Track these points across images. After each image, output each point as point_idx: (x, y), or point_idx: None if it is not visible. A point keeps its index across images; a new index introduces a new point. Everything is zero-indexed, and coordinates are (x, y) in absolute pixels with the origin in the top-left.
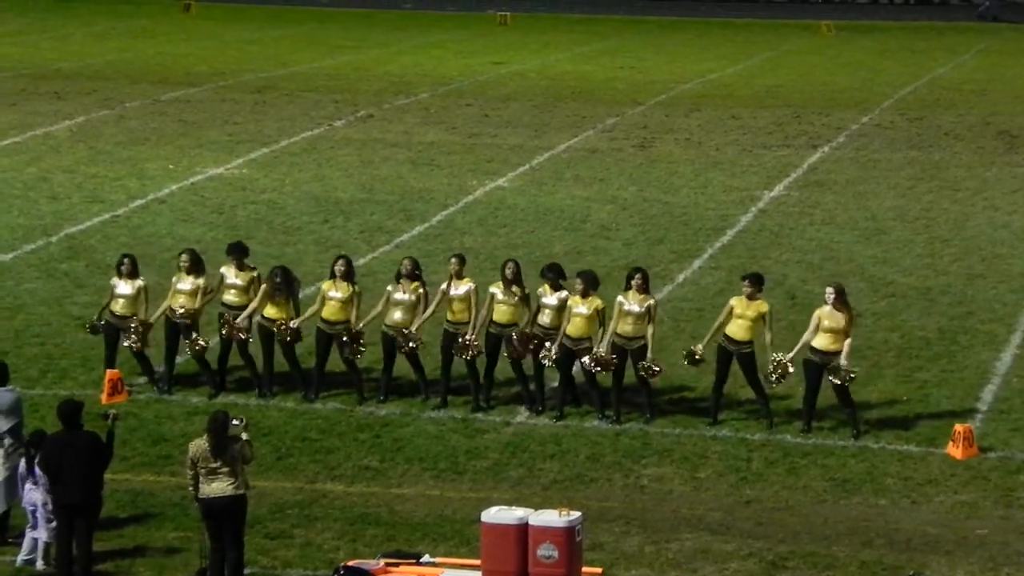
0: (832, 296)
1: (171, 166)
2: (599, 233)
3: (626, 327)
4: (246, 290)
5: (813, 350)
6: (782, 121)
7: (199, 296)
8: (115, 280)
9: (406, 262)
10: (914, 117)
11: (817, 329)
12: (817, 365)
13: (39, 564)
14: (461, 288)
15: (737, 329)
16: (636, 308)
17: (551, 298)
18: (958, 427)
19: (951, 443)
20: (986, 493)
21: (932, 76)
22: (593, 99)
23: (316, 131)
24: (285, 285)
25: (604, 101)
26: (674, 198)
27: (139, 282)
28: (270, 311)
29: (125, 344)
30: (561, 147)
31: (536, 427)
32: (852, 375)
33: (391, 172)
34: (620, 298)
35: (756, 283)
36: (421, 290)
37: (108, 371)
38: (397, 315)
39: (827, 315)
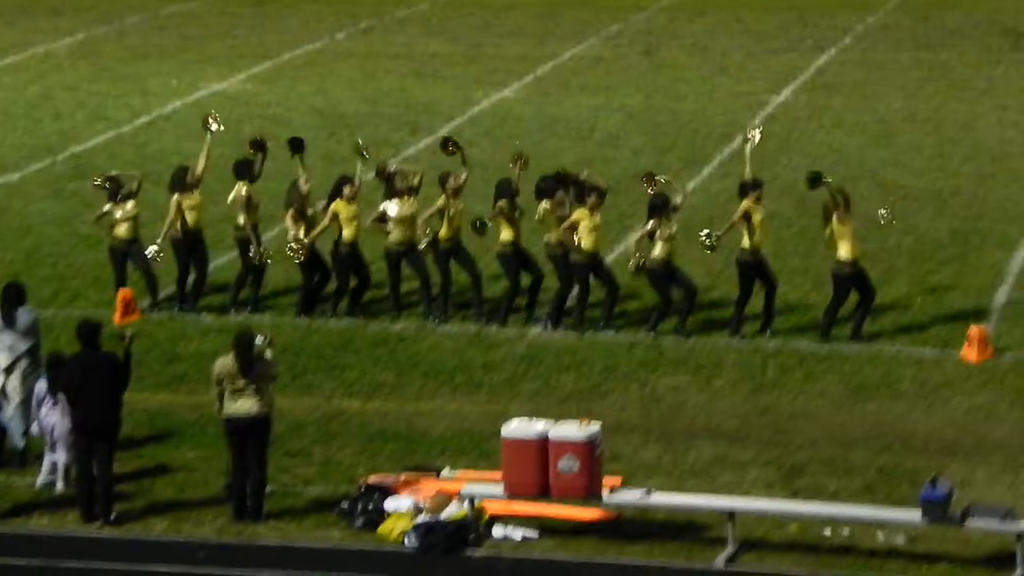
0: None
1: (174, 82)
2: (607, 142)
3: None
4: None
5: (840, 263)
6: (787, 24)
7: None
8: (108, 206)
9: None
10: (920, 17)
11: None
12: (847, 276)
13: (59, 486)
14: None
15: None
16: None
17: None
18: (972, 329)
19: (966, 345)
20: (1002, 395)
21: None
22: (596, 5)
23: (317, 44)
24: None
25: (607, 7)
26: (681, 105)
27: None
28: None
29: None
30: (566, 55)
31: (551, 340)
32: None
33: (395, 85)
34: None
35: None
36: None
37: (120, 290)
38: (397, 234)
39: (835, 225)
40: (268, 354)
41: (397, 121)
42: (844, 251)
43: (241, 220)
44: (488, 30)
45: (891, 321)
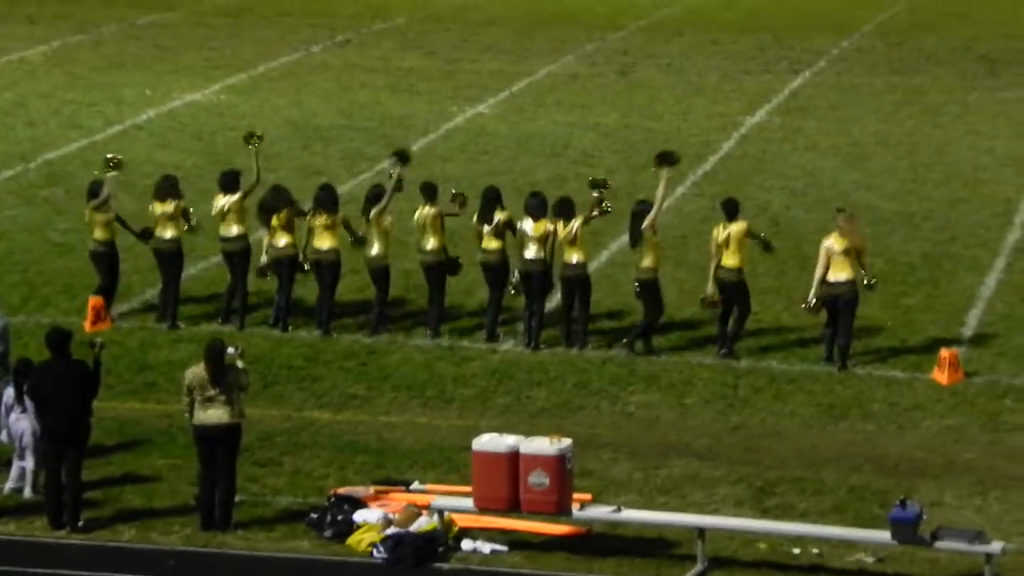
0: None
1: (148, 92)
2: (581, 160)
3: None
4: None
5: (830, 283)
6: (763, 46)
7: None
8: (90, 209)
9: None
10: (895, 41)
11: (829, 262)
12: (835, 298)
13: (27, 492)
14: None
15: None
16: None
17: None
18: (944, 352)
19: (937, 368)
20: (972, 417)
21: None
22: (573, 23)
23: (293, 56)
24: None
25: (584, 26)
26: (656, 124)
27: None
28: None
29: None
30: (542, 73)
31: (523, 355)
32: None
33: (370, 98)
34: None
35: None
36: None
37: (91, 298)
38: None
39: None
40: (239, 364)
41: (372, 135)
42: (844, 276)
43: (235, 231)
44: (464, 46)
45: (862, 343)
